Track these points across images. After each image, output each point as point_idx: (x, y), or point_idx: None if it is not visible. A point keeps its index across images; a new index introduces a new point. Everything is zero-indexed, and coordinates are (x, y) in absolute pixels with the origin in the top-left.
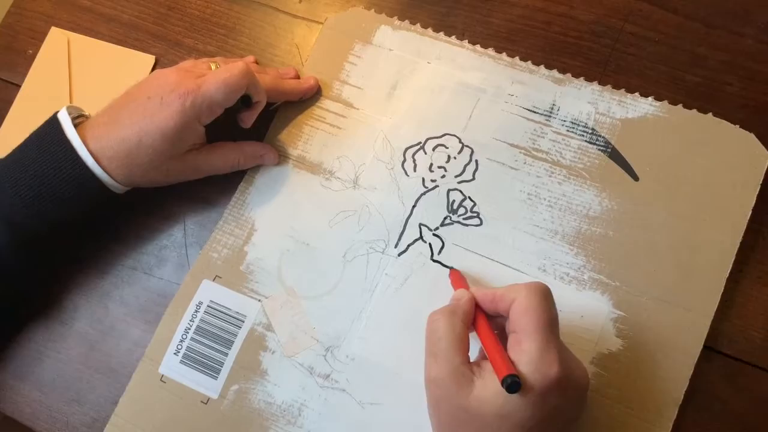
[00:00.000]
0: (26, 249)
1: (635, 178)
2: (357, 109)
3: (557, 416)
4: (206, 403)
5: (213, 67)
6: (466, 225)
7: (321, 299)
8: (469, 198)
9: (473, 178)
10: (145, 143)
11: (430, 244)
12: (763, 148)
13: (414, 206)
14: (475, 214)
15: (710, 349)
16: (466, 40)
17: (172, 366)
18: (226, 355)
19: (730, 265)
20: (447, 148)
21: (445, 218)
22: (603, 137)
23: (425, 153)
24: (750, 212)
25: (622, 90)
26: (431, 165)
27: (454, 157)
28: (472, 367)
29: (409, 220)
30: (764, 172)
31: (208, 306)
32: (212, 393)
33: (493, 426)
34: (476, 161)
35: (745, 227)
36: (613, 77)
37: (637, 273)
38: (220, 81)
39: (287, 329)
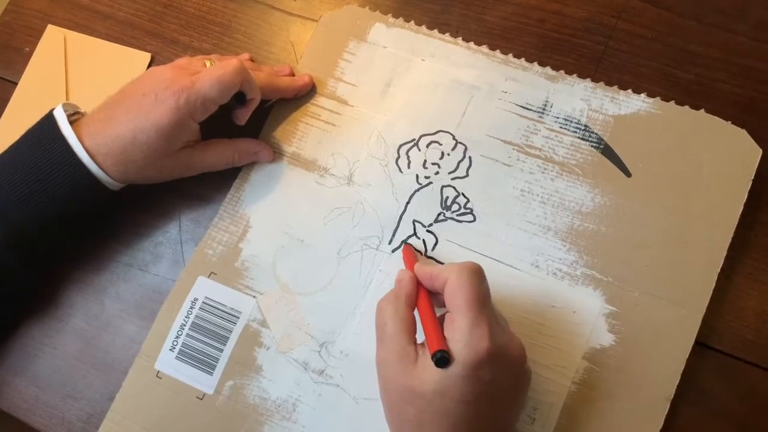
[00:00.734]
0: (22, 245)
1: (627, 174)
2: (351, 107)
3: (496, 390)
4: (202, 399)
5: (208, 64)
6: (460, 221)
7: (315, 295)
8: (463, 194)
9: (467, 175)
10: (140, 140)
11: (423, 241)
12: (755, 144)
13: (408, 203)
14: (468, 211)
15: (702, 344)
16: (460, 38)
17: (167, 362)
18: (221, 351)
19: (722, 261)
20: (441, 144)
21: (439, 215)
22: (596, 134)
23: (419, 150)
24: (741, 208)
25: (615, 87)
26: (425, 162)
27: (448, 154)
28: (417, 347)
29: (403, 217)
30: (756, 168)
31: (203, 302)
32: (208, 389)
33: (434, 403)
34: (470, 158)
35: (736, 223)
36: (606, 74)
37: (629, 269)
38: (215, 78)
39: (282, 325)
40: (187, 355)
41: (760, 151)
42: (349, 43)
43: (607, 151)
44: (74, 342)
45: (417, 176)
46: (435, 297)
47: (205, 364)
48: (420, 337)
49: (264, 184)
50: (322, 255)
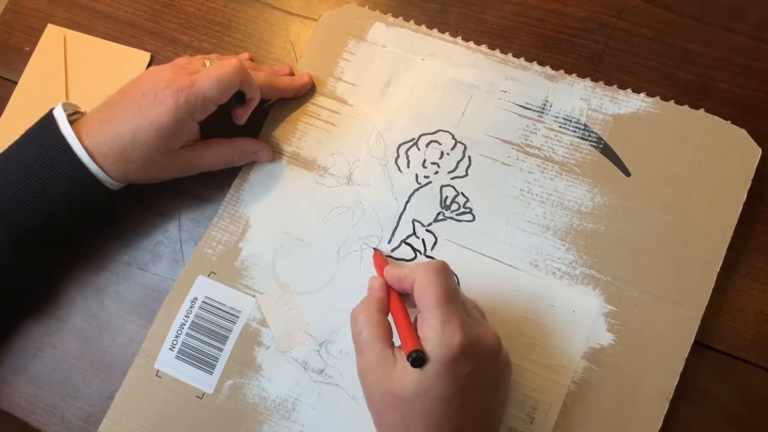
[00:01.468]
0: (22, 245)
1: (627, 173)
2: (351, 106)
3: (476, 382)
4: (201, 398)
5: (207, 64)
6: (459, 221)
7: (315, 295)
8: (462, 194)
9: (466, 174)
10: (140, 139)
11: (423, 240)
12: (755, 144)
13: (407, 202)
14: (467, 210)
15: (701, 344)
16: (460, 37)
17: (167, 361)
18: (221, 350)
19: (721, 261)
20: (440, 144)
21: (438, 214)
22: (595, 133)
23: (418, 149)
24: (741, 208)
25: (615, 86)
26: (424, 161)
27: (447, 153)
28: (395, 351)
29: (403, 216)
30: (755, 168)
31: (203, 302)
32: (207, 388)
33: (415, 404)
34: (469, 157)
35: (736, 223)
36: (605, 73)
37: (628, 268)
38: (214, 77)
39: (281, 325)
40: (186, 355)
41: (760, 151)
42: (349, 42)
43: (607, 151)
44: (74, 341)
45: (416, 176)
46: (407, 299)
47: (205, 363)
48: (397, 340)
49: (264, 184)
50: (322, 254)
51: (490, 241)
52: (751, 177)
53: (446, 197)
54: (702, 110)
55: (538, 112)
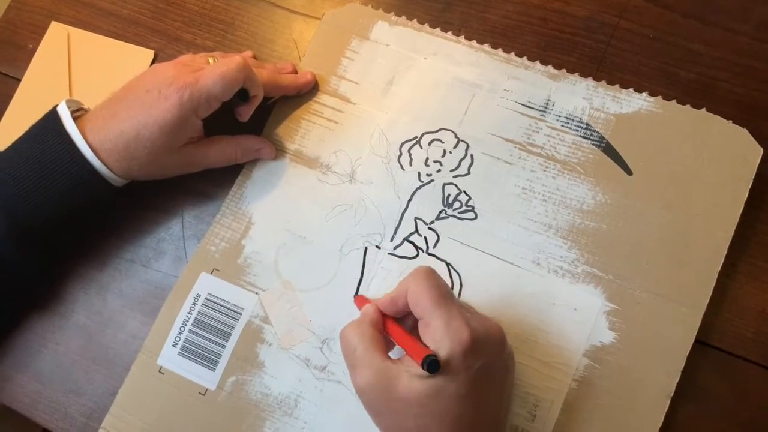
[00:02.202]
0: (25, 240)
1: (629, 172)
2: (354, 104)
3: (487, 375)
4: (204, 395)
5: (211, 61)
6: (461, 219)
7: (317, 292)
8: (465, 192)
9: (468, 173)
10: (143, 136)
11: (425, 238)
12: (756, 143)
13: (410, 200)
14: (470, 208)
15: (702, 342)
16: (463, 36)
17: (170, 358)
18: (223, 347)
19: (722, 260)
20: (443, 142)
21: (441, 212)
22: (597, 132)
23: (421, 147)
24: (742, 207)
25: (617, 86)
26: (427, 159)
27: (450, 152)
28: (395, 362)
29: (405, 214)
30: (756, 167)
31: (206, 298)
32: (210, 384)
33: (431, 407)
34: (471, 156)
35: (737, 222)
36: (607, 73)
37: (630, 266)
38: (218, 74)
39: (284, 322)
40: (189, 351)
41: (761, 150)
42: (352, 41)
43: (609, 150)
44: (77, 338)
45: (419, 174)
46: (401, 322)
47: (208, 360)
48: (393, 354)
49: (266, 182)
50: (324, 252)
51: (492, 239)
52: (753, 176)
53: (448, 195)
54: (704, 110)
55: (540, 111)
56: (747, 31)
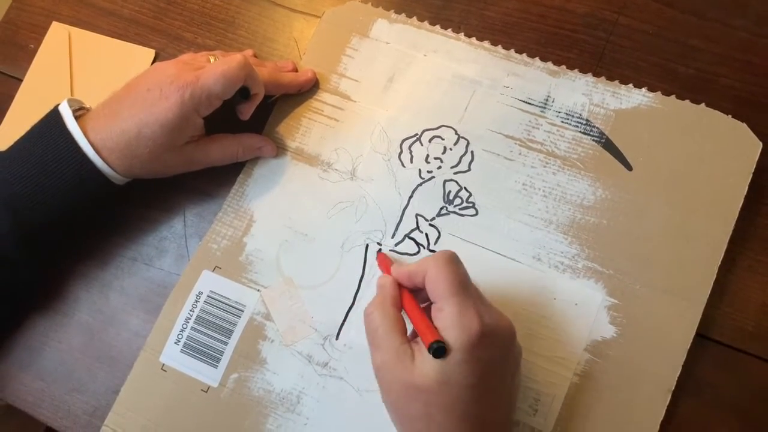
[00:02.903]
0: (28, 239)
1: (629, 167)
2: (354, 102)
3: (495, 367)
4: (206, 392)
5: (212, 59)
6: (462, 215)
7: (319, 289)
8: (465, 188)
9: (469, 169)
10: (145, 135)
11: (426, 234)
12: (755, 138)
13: (410, 197)
14: (470, 205)
15: (703, 336)
16: (462, 33)
17: (172, 355)
18: (225, 344)
19: (722, 254)
20: (443, 139)
21: (441, 209)
22: (597, 128)
23: (422, 144)
24: (742, 201)
25: (616, 81)
26: (427, 156)
27: (450, 149)
28: (412, 344)
29: (406, 211)
30: (756, 162)
31: (208, 296)
32: (212, 381)
33: (439, 393)
34: (472, 152)
35: (737, 216)
36: (607, 69)
37: (630, 261)
38: (219, 73)
39: (286, 318)
40: (191, 348)
41: (761, 145)
42: (352, 39)
43: (609, 145)
44: (79, 336)
45: (419, 171)
46: (417, 295)
47: (210, 357)
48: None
49: (267, 179)
50: (326, 249)
51: (493, 235)
52: (752, 170)
53: (449, 192)
54: (703, 105)
55: (540, 107)
56: (746, 27)
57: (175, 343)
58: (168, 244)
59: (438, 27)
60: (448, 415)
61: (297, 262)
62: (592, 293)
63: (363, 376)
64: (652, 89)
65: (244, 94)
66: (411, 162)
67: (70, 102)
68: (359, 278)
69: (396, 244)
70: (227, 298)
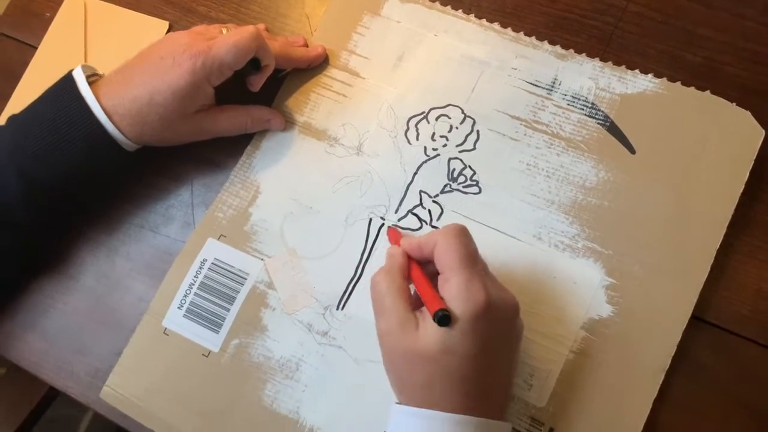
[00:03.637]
0: (37, 201)
1: (632, 151)
2: (363, 79)
3: (497, 339)
4: (207, 356)
5: (224, 31)
6: (466, 193)
7: (321, 260)
8: (470, 167)
9: (474, 148)
10: (156, 101)
11: (429, 211)
12: (758, 125)
13: (415, 173)
14: (474, 183)
15: (698, 318)
16: (473, 14)
17: (175, 319)
18: (228, 310)
19: (721, 238)
20: (450, 118)
21: (445, 186)
22: (602, 111)
23: (428, 122)
24: (742, 187)
25: (623, 67)
26: (433, 134)
27: (456, 127)
28: (416, 313)
29: (410, 187)
30: (758, 149)
31: (212, 263)
32: (213, 346)
33: (441, 362)
34: (478, 131)
35: (737, 202)
36: (614, 54)
37: (629, 242)
38: (231, 43)
39: (288, 288)
40: (194, 314)
41: (763, 132)
42: (363, 16)
43: (613, 129)
44: (84, 299)
45: (425, 148)
46: (425, 267)
47: (212, 322)
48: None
49: (275, 152)
50: (330, 222)
51: (495, 213)
52: (754, 157)
53: (453, 170)
54: (708, 92)
55: (547, 89)
56: (753, 16)
57: (178, 307)
58: (175, 212)
59: (449, 8)
60: (448, 384)
61: (301, 233)
62: (591, 273)
63: (361, 345)
64: (658, 75)
65: (255, 65)
66: (417, 139)
67: (84, 68)
68: (361, 251)
69: (399, 219)
70: (231, 266)
